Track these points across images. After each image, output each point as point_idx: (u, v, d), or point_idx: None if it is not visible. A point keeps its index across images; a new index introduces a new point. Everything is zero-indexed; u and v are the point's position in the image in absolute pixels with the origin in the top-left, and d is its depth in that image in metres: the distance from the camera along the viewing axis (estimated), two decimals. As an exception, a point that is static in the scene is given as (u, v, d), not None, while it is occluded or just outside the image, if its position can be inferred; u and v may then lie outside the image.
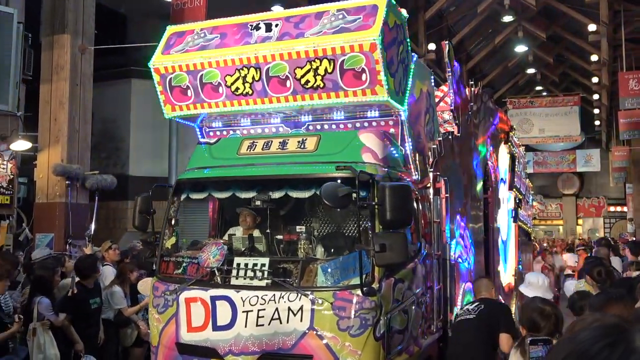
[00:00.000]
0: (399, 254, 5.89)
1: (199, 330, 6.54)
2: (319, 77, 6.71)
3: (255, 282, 6.57)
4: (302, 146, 7.05)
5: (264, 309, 6.30)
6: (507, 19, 29.92)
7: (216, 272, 6.77)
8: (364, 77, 6.57)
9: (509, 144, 11.28)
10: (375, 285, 6.19)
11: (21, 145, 11.81)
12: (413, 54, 7.59)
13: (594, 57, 30.73)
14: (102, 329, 9.05)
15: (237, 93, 7.11)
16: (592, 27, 28.67)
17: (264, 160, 7.05)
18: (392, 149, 7.10)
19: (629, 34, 26.47)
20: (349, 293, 6.15)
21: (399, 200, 5.97)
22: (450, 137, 8.03)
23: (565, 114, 34.08)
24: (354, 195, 5.96)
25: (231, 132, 7.85)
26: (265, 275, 6.55)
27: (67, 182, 13.22)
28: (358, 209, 6.06)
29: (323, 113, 7.38)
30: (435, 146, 7.37)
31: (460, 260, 8.12)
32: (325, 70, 6.66)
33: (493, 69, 35.80)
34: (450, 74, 8.12)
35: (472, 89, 8.99)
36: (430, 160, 7.49)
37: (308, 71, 6.74)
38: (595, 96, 34.57)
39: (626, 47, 27.06)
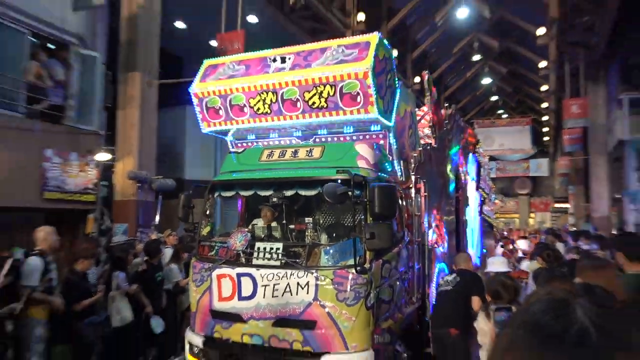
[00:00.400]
0: (385, 241, 5.61)
1: (228, 300, 6.28)
2: (322, 99, 6.43)
3: (272, 262, 6.27)
4: (310, 154, 6.75)
5: (279, 284, 6.04)
6: (476, 58, 29.99)
7: (241, 254, 6.48)
8: (358, 99, 6.28)
9: (477, 153, 10.93)
10: (366, 266, 5.90)
11: (103, 156, 11.88)
12: (400, 81, 7.26)
13: (544, 87, 30.73)
14: (164, 296, 9.22)
15: (259, 112, 6.83)
16: (542, 64, 29.21)
17: (280, 166, 6.76)
18: (381, 156, 6.77)
19: (571, 69, 26.25)
20: (345, 271, 5.86)
21: (385, 198, 5.66)
22: (429, 148, 7.68)
23: (519, 132, 34.08)
24: (350, 193, 5.68)
25: (254, 143, 7.56)
26: (280, 257, 6.25)
27: (137, 184, 13.68)
28: (353, 204, 5.75)
29: (327, 128, 7.07)
30: (416, 155, 7.03)
31: (436, 245, 7.77)
32: (328, 93, 6.38)
33: (465, 96, 35.73)
34: (429, 97, 7.79)
35: (447, 110, 8.66)
36: (413, 166, 7.13)
37: (314, 95, 6.47)
38: (545, 117, 34.55)
39: (569, 79, 26.89)
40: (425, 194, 7.24)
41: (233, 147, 7.61)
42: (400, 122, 7.20)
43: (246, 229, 6.81)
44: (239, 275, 6.26)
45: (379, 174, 6.54)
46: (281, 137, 7.39)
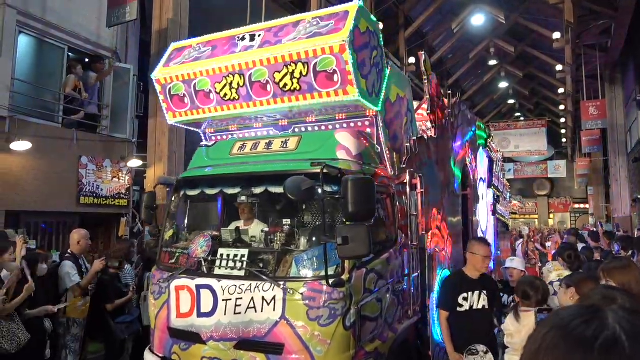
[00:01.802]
0: (362, 247, 4.17)
1: (186, 316, 4.96)
2: (295, 80, 5.05)
3: (236, 272, 4.90)
4: (285, 146, 5.37)
5: (241, 298, 4.71)
6: (492, 62, 28.47)
7: (203, 262, 5.11)
8: (335, 78, 4.88)
9: (488, 149, 9.37)
10: (344, 277, 4.51)
11: (135, 163, 11.83)
12: (391, 62, 5.82)
13: (561, 90, 29.12)
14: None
15: (226, 99, 5.47)
16: (559, 67, 27.80)
17: (251, 160, 5.41)
18: (367, 146, 5.34)
19: (588, 71, 24.47)
20: (318, 284, 4.48)
21: (361, 194, 4.22)
22: (426, 137, 6.18)
23: (535, 134, 32.11)
24: (320, 189, 4.28)
25: (230, 136, 6.20)
26: (243, 266, 4.88)
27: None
28: (322, 202, 4.32)
29: (307, 116, 5.67)
30: (408, 145, 5.54)
31: (437, 249, 6.26)
32: (301, 73, 5.00)
33: (482, 100, 33.88)
34: (426, 81, 6.32)
35: (451, 98, 7.16)
36: (405, 157, 5.65)
37: (285, 75, 5.08)
38: (562, 120, 32.64)
39: (586, 82, 25.19)
40: (422, 190, 5.76)
41: (207, 141, 6.27)
42: (392, 109, 5.76)
43: (209, 233, 5.43)
44: (198, 287, 4.93)
45: (364, 166, 5.12)
46: (257, 129, 6.01)
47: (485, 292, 5.32)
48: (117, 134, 11.99)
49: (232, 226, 5.98)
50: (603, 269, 4.14)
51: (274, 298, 4.57)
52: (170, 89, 5.72)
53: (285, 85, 5.10)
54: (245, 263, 4.91)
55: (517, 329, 4.06)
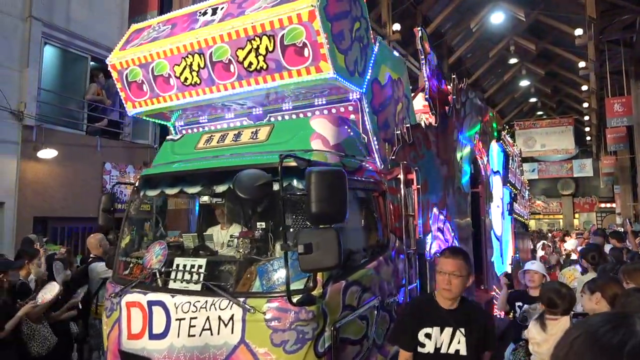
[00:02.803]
0: (329, 256, 3.20)
1: (137, 337, 4.07)
2: (261, 58, 4.11)
3: (192, 286, 3.97)
4: (255, 137, 4.43)
5: (196, 318, 3.79)
6: (513, 61, 27.16)
7: (157, 274, 4.20)
8: (306, 52, 3.94)
9: (502, 142, 8.27)
10: (316, 292, 3.54)
11: None
12: (380, 39, 4.83)
13: (584, 87, 27.65)
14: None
15: (187, 83, 4.57)
16: (582, 64, 26.41)
17: (217, 153, 4.48)
18: (350, 135, 4.38)
19: (612, 68, 23.14)
20: (284, 301, 3.50)
21: (327, 189, 3.25)
22: (424, 125, 5.16)
23: (562, 132, 30.57)
24: (276, 184, 3.34)
25: (201, 129, 5.29)
26: (199, 279, 3.96)
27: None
28: (281, 201, 3.36)
29: (283, 102, 4.73)
30: (398, 132, 4.53)
31: (438, 255, 5.23)
32: (266, 48, 4.06)
33: (503, 99, 32.35)
34: (423, 61, 5.31)
35: (456, 83, 6.13)
36: (395, 147, 4.64)
37: (249, 52, 4.15)
38: (586, 117, 31.01)
39: (610, 78, 23.85)
40: (418, 186, 4.76)
41: (176, 134, 5.38)
42: (382, 92, 4.78)
43: (170, 239, 4.53)
44: (150, 303, 4.04)
45: (346, 158, 4.17)
46: (232, 119, 5.10)
47: (462, 330, 3.21)
48: (139, 140, 12.03)
49: (210, 231, 5.09)
50: (623, 271, 4.12)
51: (232, 318, 3.65)
52: (127, 75, 4.84)
53: (250, 64, 4.18)
54: (201, 275, 3.99)
55: (544, 338, 3.73)
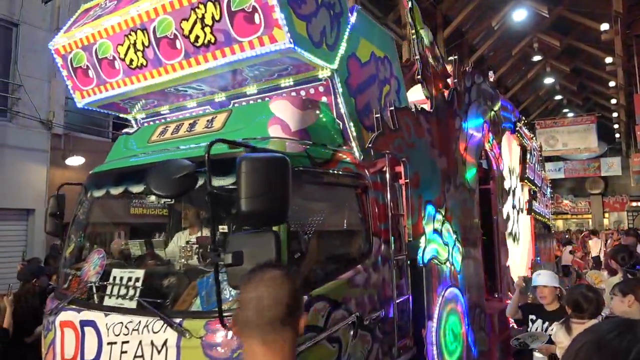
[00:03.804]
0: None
1: (70, 363, 3.28)
2: (207, 30, 3.34)
3: (127, 303, 3.21)
4: (210, 125, 3.67)
5: (128, 342, 3.00)
6: (537, 58, 25.85)
7: (92, 288, 3.46)
8: (257, 18, 3.14)
9: (518, 134, 7.30)
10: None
11: None
12: (359, 8, 3.99)
13: (612, 83, 26.12)
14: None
15: (133, 66, 3.82)
16: (608, 60, 25.08)
17: (169, 146, 3.72)
18: (319, 120, 3.56)
19: (640, 63, 21.77)
20: (227, 322, 2.70)
21: (263, 181, 2.43)
22: (414, 110, 4.28)
23: (585, 130, 28.86)
24: (202, 178, 2.55)
25: (163, 121, 4.54)
26: (134, 294, 3.19)
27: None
28: (209, 197, 2.55)
29: (247, 86, 3.94)
30: (378, 116, 3.68)
31: (436, 261, 4.34)
32: (213, 17, 3.28)
33: (527, 97, 30.86)
34: (414, 37, 4.44)
35: (458, 65, 5.22)
36: (375, 134, 3.76)
37: (195, 23, 3.38)
38: (614, 114, 29.33)
39: (639, 73, 22.40)
40: (407, 180, 3.90)
41: (137, 127, 4.65)
42: (362, 71, 3.94)
43: (104, 248, 3.78)
44: (82, 324, 3.28)
45: (313, 147, 3.36)
46: (194, 108, 4.33)
47: None
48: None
49: (176, 237, 4.35)
50: None
51: (165, 343, 2.88)
52: (71, 60, 4.13)
53: (197, 38, 3.40)
54: (137, 290, 3.22)
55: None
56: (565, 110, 33.33)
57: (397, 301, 3.81)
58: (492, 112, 6.25)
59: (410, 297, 4.02)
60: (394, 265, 3.82)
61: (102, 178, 3.88)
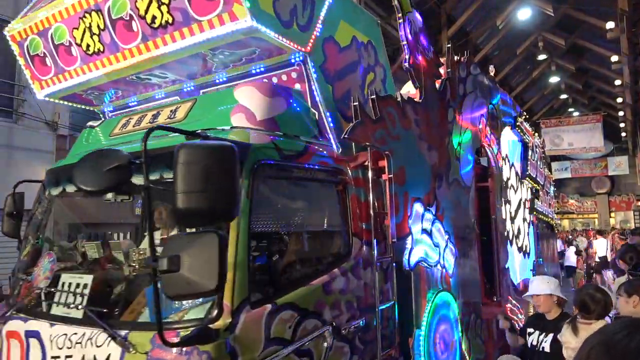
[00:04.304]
0: (206, 275, 1.99)
1: (15, 378, 2.92)
2: (164, 8, 2.97)
3: (74, 313, 2.83)
4: (173, 116, 3.28)
5: (71, 356, 2.61)
6: (541, 57, 25.30)
7: (41, 295, 3.09)
8: (215, -6, 2.74)
9: (519, 130, 6.85)
10: (221, 323, 2.35)
11: None
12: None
13: (618, 82, 25.46)
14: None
15: (90, 52, 3.45)
16: (614, 58, 24.36)
17: (131, 138, 3.34)
18: (290, 109, 3.17)
19: (647, 61, 21.20)
20: (175, 335, 2.32)
21: (205, 174, 2.04)
22: (399, 99, 3.86)
23: (590, 129, 28.17)
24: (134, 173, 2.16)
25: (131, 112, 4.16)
26: (81, 302, 2.81)
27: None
28: (146, 192, 2.15)
29: (213, 72, 3.56)
30: (356, 104, 3.27)
31: (425, 264, 3.92)
32: (169, -5, 2.88)
33: (532, 96, 30.21)
34: (400, 21, 4.03)
35: (452, 55, 4.79)
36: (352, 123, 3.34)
37: (150, 2, 2.99)
38: (621, 113, 28.61)
39: (645, 71, 21.94)
40: (391, 175, 3.49)
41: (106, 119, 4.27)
42: (340, 56, 3.55)
43: (53, 251, 3.41)
44: (27, 334, 2.90)
45: (282, 139, 2.97)
46: (163, 99, 3.95)
47: None
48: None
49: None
50: None
51: (108, 359, 2.50)
52: (27, 47, 3.77)
53: (154, 18, 3.03)
54: (84, 298, 2.84)
55: (579, 343, 2.72)
56: (570, 110, 32.57)
57: (381, 308, 3.41)
58: (491, 106, 5.82)
59: (396, 303, 3.61)
60: (377, 269, 3.42)
61: (59, 174, 3.51)
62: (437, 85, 4.52)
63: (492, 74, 6.71)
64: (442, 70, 4.65)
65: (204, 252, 1.99)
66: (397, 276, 3.63)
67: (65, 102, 4.13)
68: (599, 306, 3.36)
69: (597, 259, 12.14)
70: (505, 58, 26.31)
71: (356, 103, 3.22)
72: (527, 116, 8.07)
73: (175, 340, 2.30)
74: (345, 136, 3.14)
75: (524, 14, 23.24)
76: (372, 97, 3.43)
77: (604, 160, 30.96)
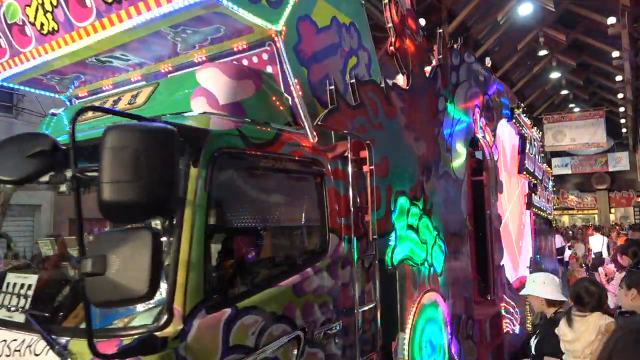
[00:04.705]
0: (135, 279, 1.67)
1: (-45, 388, 2.61)
2: (118, -20, 2.62)
3: (16, 317, 2.52)
4: (133, 101, 2.98)
5: (9, 365, 2.30)
6: (542, 53, 24.87)
7: (-14, 295, 2.78)
8: (169, -38, 2.41)
9: (516, 123, 6.50)
10: (171, 330, 2.02)
11: None
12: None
13: (619, 78, 25.05)
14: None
15: (44, 32, 3.12)
16: (615, 54, 24.16)
17: (90, 126, 3.02)
18: (261, 93, 2.85)
19: (647, 57, 20.81)
20: (116, 344, 2.01)
21: (134, 161, 1.71)
22: (382, 84, 3.53)
23: (593, 125, 27.76)
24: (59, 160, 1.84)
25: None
26: (25, 305, 2.51)
27: None
28: (72, 182, 1.84)
29: (181, 53, 3.23)
30: (332, 88, 2.94)
31: (410, 262, 3.60)
32: (121, -36, 2.56)
33: (532, 92, 29.75)
34: (386, 2, 3.69)
35: (444, 40, 4.45)
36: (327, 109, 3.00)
37: (104, -27, 2.66)
38: (621, 109, 28.18)
39: (646, 68, 21.56)
40: (372, 167, 3.17)
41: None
42: (318, 37, 3.22)
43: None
44: None
45: (248, 125, 2.66)
46: (138, 82, 3.62)
47: None
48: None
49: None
50: None
51: (44, 370, 2.20)
52: (-19, 27, 3.45)
53: (108, -8, 2.71)
54: (28, 300, 2.53)
55: (575, 335, 3.26)
56: (571, 105, 32.08)
57: (361, 310, 3.10)
58: (486, 96, 5.48)
59: (379, 304, 3.29)
60: (357, 268, 3.10)
61: None
62: (427, 73, 4.18)
63: (488, 65, 6.35)
64: (432, 56, 4.31)
65: (134, 252, 1.68)
66: (380, 276, 3.31)
67: (26, 89, 3.81)
68: (593, 299, 3.33)
69: (592, 256, 11.80)
70: (506, 53, 25.88)
71: (332, 86, 2.89)
72: (525, 108, 7.71)
73: (114, 350, 2.00)
74: (319, 122, 2.81)
75: (525, 9, 22.90)
76: (352, 81, 3.10)
77: (604, 156, 30.52)
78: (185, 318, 2.16)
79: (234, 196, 2.67)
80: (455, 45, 4.75)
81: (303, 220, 3.01)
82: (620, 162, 30.38)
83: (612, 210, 32.42)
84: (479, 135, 5.24)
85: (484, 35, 25.03)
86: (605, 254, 11.35)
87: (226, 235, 2.55)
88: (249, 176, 2.75)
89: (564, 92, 30.26)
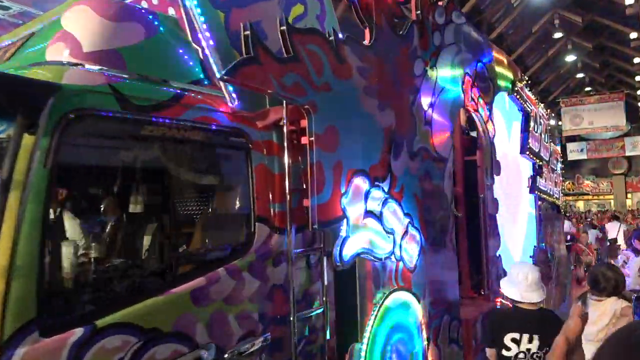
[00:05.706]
0: None
1: None
2: None
3: None
4: (4, 55, 2.25)
5: None
6: (557, 35, 23.55)
7: None
8: None
9: (518, 97, 5.62)
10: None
11: None
12: None
13: (637, 60, 23.66)
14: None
15: None
16: (633, 35, 22.60)
17: None
18: (154, 40, 2.10)
19: (667, 37, 19.44)
20: None
21: None
22: (331, 37, 2.74)
23: (612, 108, 26.34)
24: None
25: None
26: None
27: None
28: None
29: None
30: (247, 33, 2.18)
31: (370, 256, 2.84)
32: None
33: (547, 76, 28.27)
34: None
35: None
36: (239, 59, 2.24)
37: None
38: (639, 92, 26.65)
39: (666, 49, 20.22)
40: (312, 139, 2.41)
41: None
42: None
43: None
44: None
45: (128, 80, 1.90)
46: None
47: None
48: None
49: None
50: None
51: None
52: None
53: None
54: None
55: (591, 319, 3.08)
56: (587, 89, 30.47)
57: (303, 317, 2.37)
58: (480, 64, 4.63)
59: (327, 309, 2.55)
60: (298, 265, 2.37)
61: None
62: (401, 28, 3.37)
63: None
64: (406, 9, 3.49)
65: None
66: (330, 274, 2.57)
67: None
68: (609, 284, 3.25)
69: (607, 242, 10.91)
70: (520, 37, 24.56)
71: (247, 32, 2.13)
72: (529, 81, 6.78)
73: None
74: (224, 77, 2.06)
75: (539, -9, 21.61)
76: (282, 27, 2.33)
77: (622, 141, 29.00)
78: (3, 345, 1.47)
79: (101, 175, 1.95)
80: (440, 2, 3.91)
81: (213, 207, 2.29)
82: (637, 146, 28.84)
83: (629, 195, 30.90)
84: (471, 108, 4.41)
85: (498, 17, 23.80)
86: (620, 241, 10.52)
87: (81, 229, 1.83)
88: (128, 149, 2.02)
89: (580, 75, 28.73)
